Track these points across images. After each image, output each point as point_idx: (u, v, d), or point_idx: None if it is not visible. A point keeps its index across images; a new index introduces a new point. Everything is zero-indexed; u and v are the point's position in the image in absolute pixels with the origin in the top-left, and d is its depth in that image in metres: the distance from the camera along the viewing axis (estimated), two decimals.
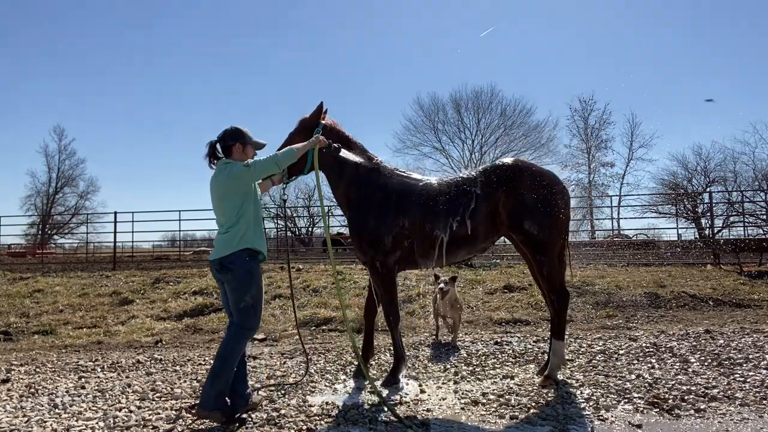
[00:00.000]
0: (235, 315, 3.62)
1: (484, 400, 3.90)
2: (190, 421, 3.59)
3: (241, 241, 3.57)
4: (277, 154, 3.80)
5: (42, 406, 4.01)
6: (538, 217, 4.18)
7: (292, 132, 4.44)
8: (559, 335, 4.29)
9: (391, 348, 4.63)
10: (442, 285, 5.78)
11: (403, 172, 4.58)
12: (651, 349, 5.34)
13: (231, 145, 3.74)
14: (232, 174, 3.60)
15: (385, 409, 3.70)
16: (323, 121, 4.42)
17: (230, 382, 3.56)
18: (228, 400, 3.56)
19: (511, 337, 6.23)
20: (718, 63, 54.91)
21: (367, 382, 4.07)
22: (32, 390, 4.47)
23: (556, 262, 4.33)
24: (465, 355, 5.38)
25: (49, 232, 43.60)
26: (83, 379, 4.81)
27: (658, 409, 3.61)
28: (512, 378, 4.46)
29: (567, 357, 5.10)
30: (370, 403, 3.91)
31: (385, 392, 4.14)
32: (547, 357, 4.56)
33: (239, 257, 3.56)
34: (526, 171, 4.33)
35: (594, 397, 3.88)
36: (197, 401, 3.71)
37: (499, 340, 5.97)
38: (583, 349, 5.44)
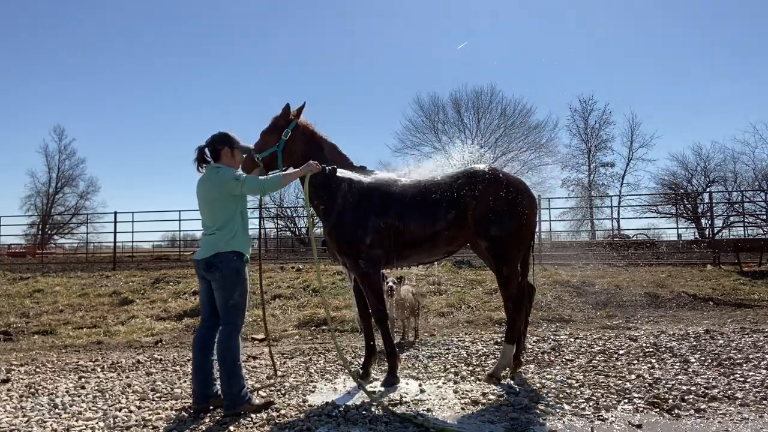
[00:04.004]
0: (223, 314, 3.75)
1: (484, 400, 3.91)
2: (190, 421, 3.59)
3: (229, 243, 3.73)
4: (267, 180, 3.86)
5: (42, 406, 4.01)
6: (505, 225, 4.26)
7: (264, 130, 4.43)
8: (510, 340, 4.43)
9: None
10: (391, 284, 5.64)
11: (377, 172, 4.60)
12: (651, 349, 5.34)
13: (220, 149, 3.88)
14: (223, 181, 3.73)
15: (378, 406, 3.71)
16: (296, 120, 4.41)
17: (243, 375, 3.74)
18: (218, 392, 3.75)
19: None
20: (719, 63, 54.94)
21: (355, 380, 4.09)
22: (32, 390, 4.47)
23: (516, 270, 4.43)
24: (465, 355, 5.38)
25: (49, 232, 43.56)
26: (83, 379, 4.81)
27: (658, 409, 3.61)
28: (512, 378, 4.46)
29: (567, 357, 5.12)
30: (370, 403, 3.90)
31: (383, 390, 4.15)
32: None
33: (227, 257, 3.70)
34: (497, 178, 4.39)
35: (594, 397, 3.88)
36: (196, 402, 3.74)
37: (499, 340, 5.96)
38: (583, 349, 5.44)
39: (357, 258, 4.28)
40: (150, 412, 3.78)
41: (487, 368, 4.80)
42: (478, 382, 4.41)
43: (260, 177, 3.89)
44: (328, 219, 4.40)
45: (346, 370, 4.22)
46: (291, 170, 4.14)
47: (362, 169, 4.55)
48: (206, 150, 3.90)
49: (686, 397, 3.80)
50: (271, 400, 3.90)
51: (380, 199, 4.33)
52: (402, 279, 6.03)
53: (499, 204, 4.27)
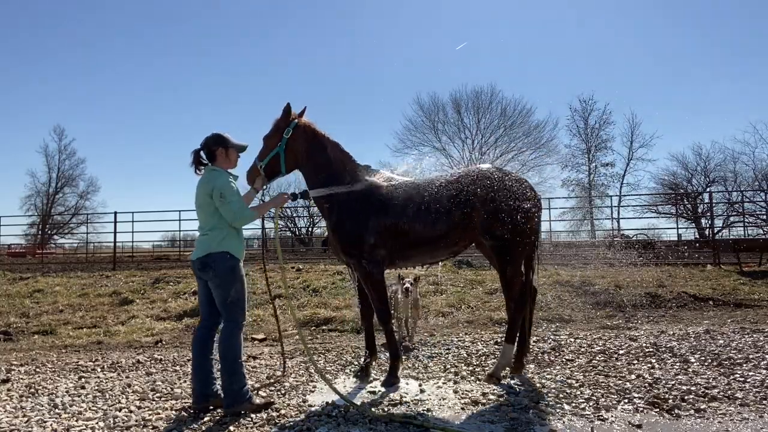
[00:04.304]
0: (222, 312, 3.77)
1: (484, 400, 3.91)
2: (190, 421, 3.59)
3: (220, 244, 3.74)
4: (242, 214, 3.78)
5: (42, 406, 4.01)
6: (510, 225, 4.26)
7: (267, 135, 4.46)
8: (510, 339, 4.45)
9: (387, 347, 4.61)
10: (407, 285, 5.63)
11: (381, 171, 4.60)
12: (651, 349, 5.34)
13: (215, 150, 3.90)
14: (212, 188, 3.74)
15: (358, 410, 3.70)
16: (297, 120, 4.43)
17: (244, 373, 3.74)
18: (218, 392, 3.75)
19: None
20: (719, 63, 54.95)
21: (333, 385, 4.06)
22: (32, 390, 4.47)
23: (520, 270, 4.44)
24: (465, 355, 5.38)
25: (49, 232, 43.57)
26: (83, 379, 4.81)
27: (658, 409, 3.61)
28: (512, 378, 4.46)
29: (567, 357, 5.12)
30: (370, 403, 3.91)
31: (383, 390, 4.15)
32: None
33: (221, 257, 3.72)
34: (502, 178, 4.40)
35: (594, 397, 3.88)
36: (195, 401, 3.74)
37: (499, 340, 5.96)
38: (583, 349, 5.43)
39: (360, 258, 4.26)
40: (150, 412, 3.78)
41: (487, 368, 4.79)
42: (478, 382, 4.41)
43: (236, 210, 3.75)
44: (331, 218, 4.40)
45: (325, 383, 4.21)
46: (264, 203, 4.31)
47: (366, 168, 4.54)
48: (201, 153, 3.93)
49: (686, 397, 3.80)
50: (271, 400, 3.90)
51: (384, 198, 4.31)
52: (418, 279, 5.96)
53: (504, 204, 4.27)
